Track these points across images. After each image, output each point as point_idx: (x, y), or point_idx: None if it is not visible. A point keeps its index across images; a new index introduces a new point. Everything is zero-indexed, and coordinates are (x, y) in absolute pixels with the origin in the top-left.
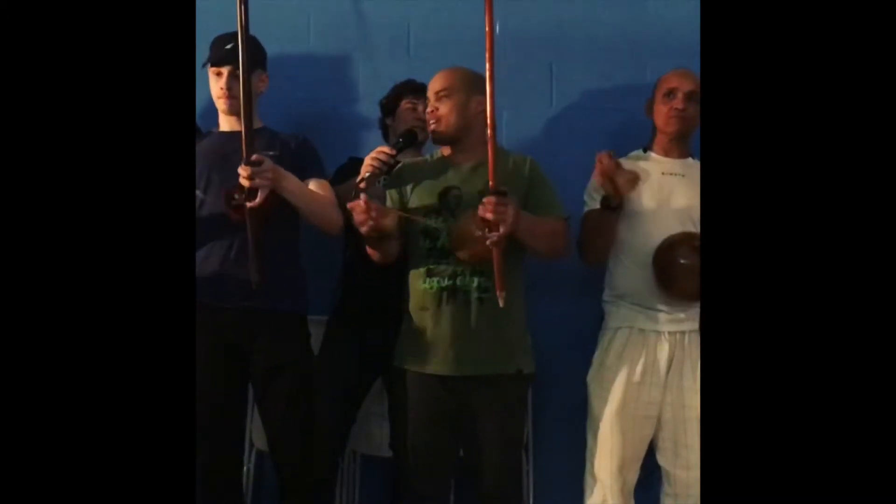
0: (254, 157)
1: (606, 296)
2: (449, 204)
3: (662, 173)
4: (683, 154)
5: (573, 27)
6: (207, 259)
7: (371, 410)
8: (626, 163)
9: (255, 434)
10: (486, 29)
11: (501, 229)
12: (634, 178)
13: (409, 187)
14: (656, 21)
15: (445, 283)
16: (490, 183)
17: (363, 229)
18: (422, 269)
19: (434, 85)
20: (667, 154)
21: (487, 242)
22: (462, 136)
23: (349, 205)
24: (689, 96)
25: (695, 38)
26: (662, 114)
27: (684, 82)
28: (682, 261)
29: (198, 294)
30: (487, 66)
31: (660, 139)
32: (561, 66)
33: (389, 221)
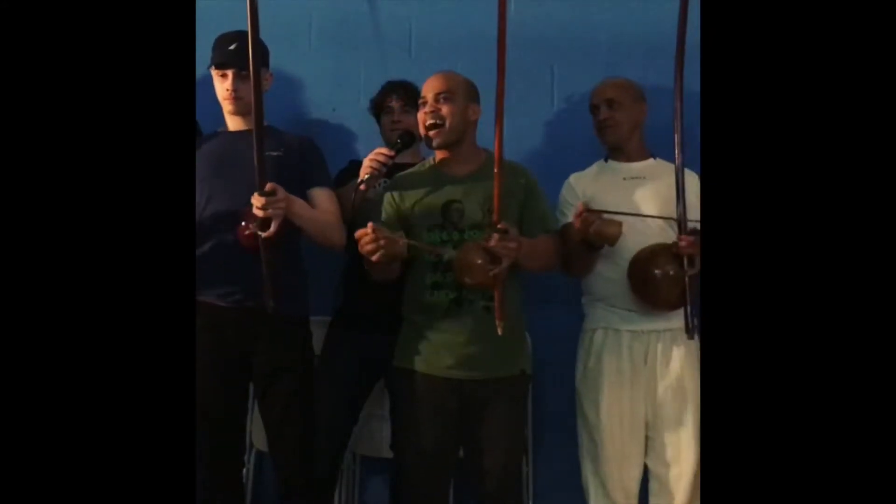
0: (268, 186)
1: (585, 299)
2: (452, 218)
3: (624, 178)
4: (643, 156)
5: (574, 28)
6: (210, 258)
7: (372, 412)
8: (586, 177)
9: (255, 434)
10: (499, 67)
11: (504, 262)
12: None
13: (405, 199)
14: (657, 22)
15: (452, 294)
16: (495, 216)
17: (373, 258)
18: (427, 282)
19: (434, 86)
20: (627, 159)
21: (490, 274)
22: (459, 142)
23: (357, 234)
24: (608, 104)
25: (695, 38)
26: (596, 128)
27: (601, 93)
28: (656, 272)
29: (199, 294)
30: (498, 103)
31: (609, 148)
32: (562, 67)
33: (399, 250)
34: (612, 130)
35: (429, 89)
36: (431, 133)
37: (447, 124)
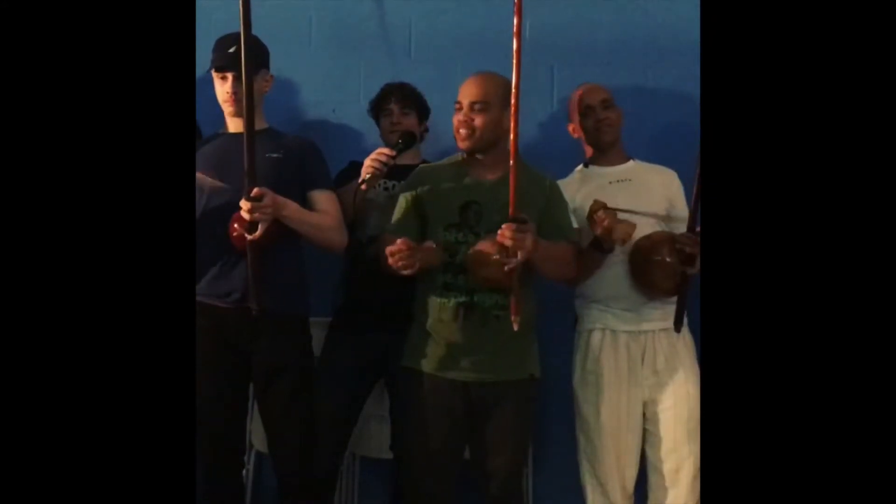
0: (254, 191)
1: (578, 301)
2: (469, 219)
3: (609, 182)
4: (623, 159)
5: (574, 29)
6: (210, 259)
7: (371, 412)
8: (571, 184)
9: (255, 435)
10: (514, 65)
11: (519, 256)
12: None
13: (426, 192)
14: (656, 22)
15: (462, 298)
16: (510, 209)
17: (407, 272)
18: (438, 283)
19: (470, 93)
20: (609, 163)
21: (505, 268)
22: (489, 148)
23: (389, 250)
24: (604, 105)
25: (695, 38)
26: (590, 129)
27: (595, 95)
28: (656, 258)
29: (199, 295)
30: (513, 96)
31: (596, 153)
32: (562, 68)
33: (436, 259)
34: (611, 130)
35: (465, 95)
36: (462, 139)
37: (477, 135)
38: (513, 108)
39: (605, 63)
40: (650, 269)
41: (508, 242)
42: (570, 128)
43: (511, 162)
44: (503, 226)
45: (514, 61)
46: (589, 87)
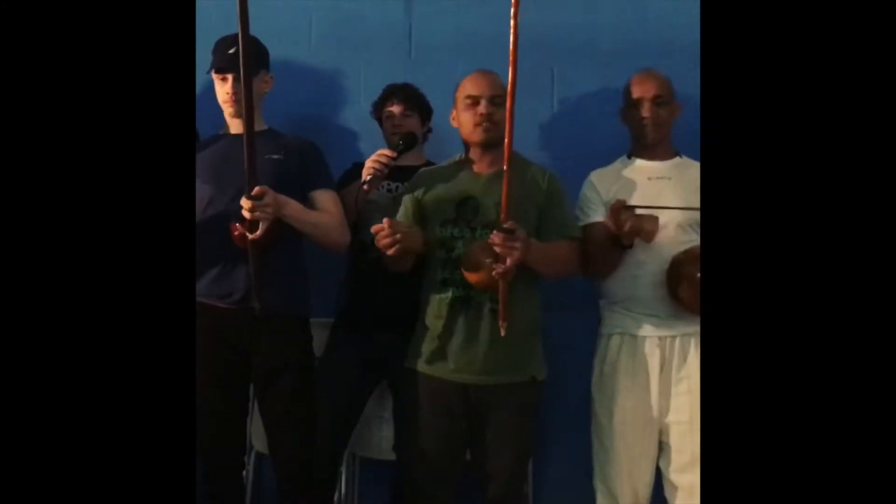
0: (256, 190)
1: (603, 302)
2: (466, 214)
3: (649, 178)
4: (669, 154)
5: (574, 30)
6: (211, 259)
7: (372, 413)
8: (608, 174)
9: (255, 436)
10: (511, 73)
11: (507, 262)
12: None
13: (426, 191)
14: (656, 23)
15: (460, 292)
16: (502, 215)
17: (390, 252)
18: (437, 279)
19: (488, 87)
20: (652, 158)
21: (493, 273)
22: (500, 142)
23: (373, 228)
24: (654, 101)
25: (695, 38)
26: (635, 124)
27: (648, 88)
28: (698, 275)
29: (199, 295)
30: (508, 102)
31: (639, 146)
32: (562, 69)
33: (417, 244)
34: (658, 129)
35: (483, 89)
36: (484, 131)
37: (500, 128)
38: (508, 113)
39: (605, 63)
40: (682, 285)
41: (498, 249)
42: (621, 113)
43: (505, 167)
44: (493, 233)
45: (511, 60)
46: (644, 76)
